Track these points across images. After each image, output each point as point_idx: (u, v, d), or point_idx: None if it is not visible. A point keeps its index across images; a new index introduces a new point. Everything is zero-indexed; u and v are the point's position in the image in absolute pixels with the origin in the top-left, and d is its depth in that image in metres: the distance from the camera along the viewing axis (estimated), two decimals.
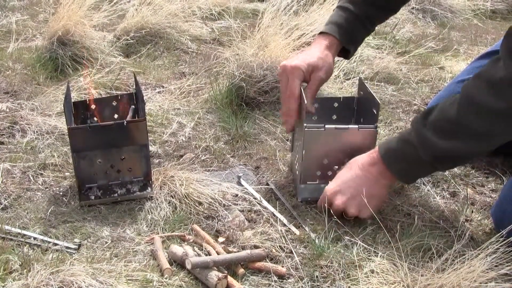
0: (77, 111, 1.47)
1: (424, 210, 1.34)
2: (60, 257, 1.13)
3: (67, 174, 1.45)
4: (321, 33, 1.43)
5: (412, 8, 3.04)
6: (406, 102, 1.96)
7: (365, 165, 1.25)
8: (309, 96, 1.36)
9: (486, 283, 1.00)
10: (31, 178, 1.43)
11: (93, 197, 1.33)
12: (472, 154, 1.22)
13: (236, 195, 1.38)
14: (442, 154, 1.16)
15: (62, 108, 1.54)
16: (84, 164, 1.31)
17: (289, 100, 1.36)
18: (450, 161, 1.21)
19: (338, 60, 2.15)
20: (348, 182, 1.26)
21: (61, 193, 1.38)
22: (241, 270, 1.11)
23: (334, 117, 1.49)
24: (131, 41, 2.33)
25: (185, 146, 1.63)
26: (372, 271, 1.10)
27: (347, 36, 1.42)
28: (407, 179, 1.28)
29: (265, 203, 1.34)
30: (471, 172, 1.52)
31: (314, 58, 1.37)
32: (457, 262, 1.03)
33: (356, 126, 1.32)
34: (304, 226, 1.26)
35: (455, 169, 1.52)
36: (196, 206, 1.31)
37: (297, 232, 1.24)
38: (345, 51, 1.46)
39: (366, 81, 1.39)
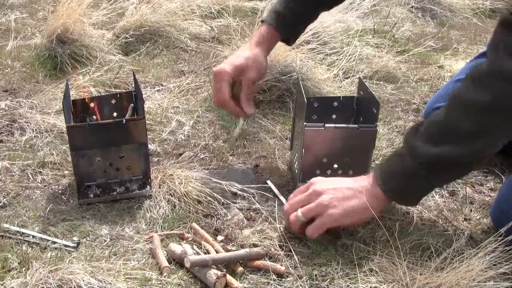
0: (76, 109, 1.47)
1: (423, 209, 1.34)
2: (59, 255, 1.13)
3: (66, 172, 1.45)
4: (262, 21, 1.47)
5: (412, 7, 3.04)
6: (405, 101, 1.96)
7: (356, 179, 1.19)
8: (244, 99, 1.38)
9: (485, 282, 1.00)
10: (30, 176, 1.43)
11: (92, 196, 1.33)
12: (466, 160, 1.08)
13: (235, 194, 1.38)
14: (431, 161, 1.08)
15: (61, 106, 1.54)
16: (83, 163, 1.31)
17: (224, 105, 1.40)
18: (442, 170, 1.10)
19: (337, 59, 2.15)
20: (336, 183, 1.19)
21: (60, 191, 1.38)
22: (240, 269, 1.11)
23: (334, 116, 1.49)
24: (130, 39, 2.33)
25: (184, 144, 1.63)
26: (371, 270, 1.10)
27: (284, 26, 1.46)
28: (397, 195, 1.15)
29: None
30: None
31: (241, 59, 1.38)
32: (456, 261, 1.03)
33: (356, 125, 1.32)
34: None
35: None
36: (195, 204, 1.31)
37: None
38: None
39: (365, 80, 1.38)
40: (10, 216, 1.27)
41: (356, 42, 2.28)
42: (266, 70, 1.50)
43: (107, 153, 1.32)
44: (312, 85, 1.90)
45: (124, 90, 1.86)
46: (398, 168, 1.13)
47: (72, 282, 1.00)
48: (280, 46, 1.90)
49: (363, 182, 1.17)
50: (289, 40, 1.54)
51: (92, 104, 1.48)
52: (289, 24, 1.47)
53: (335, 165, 1.35)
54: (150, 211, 1.30)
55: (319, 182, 1.19)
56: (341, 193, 1.15)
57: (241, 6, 2.97)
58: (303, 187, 1.21)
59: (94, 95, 1.81)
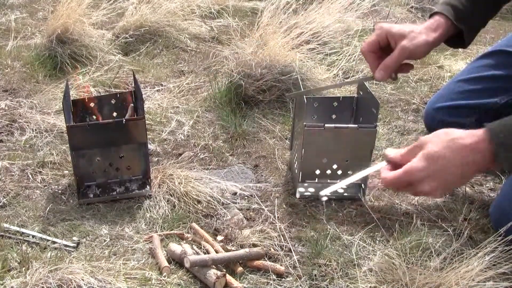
0: (76, 109, 1.47)
1: (423, 209, 1.34)
2: (58, 255, 1.13)
3: (65, 172, 1.45)
4: (431, 15, 1.31)
5: (411, 7, 3.04)
6: (405, 101, 1.96)
7: (469, 153, 1.04)
8: (383, 63, 1.25)
9: (484, 282, 1.00)
10: (30, 176, 1.43)
11: (91, 195, 1.33)
12: None
13: (235, 194, 1.38)
14: None
15: (61, 106, 1.54)
16: (83, 162, 1.31)
17: (362, 53, 1.30)
18: None
19: (337, 59, 2.15)
20: (445, 168, 1.05)
21: (59, 191, 1.38)
22: (240, 269, 1.11)
23: (334, 116, 1.49)
24: (130, 39, 2.33)
25: (184, 144, 1.63)
26: (371, 270, 1.10)
27: (456, 13, 1.26)
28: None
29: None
30: None
31: (406, 28, 1.26)
32: (456, 261, 1.03)
33: (356, 125, 1.32)
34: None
35: None
36: (195, 204, 1.31)
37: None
38: (459, 37, 1.31)
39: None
40: (10, 216, 1.27)
41: (356, 42, 2.28)
42: (422, 55, 1.29)
43: (107, 153, 1.32)
44: (312, 85, 1.90)
45: (124, 90, 1.86)
46: None
47: (72, 282, 1.00)
48: (279, 44, 1.91)
49: (475, 156, 1.04)
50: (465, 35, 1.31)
51: (92, 104, 1.48)
52: (462, 8, 1.29)
53: (335, 165, 1.35)
54: (150, 211, 1.30)
55: (423, 182, 1.06)
56: (444, 181, 1.05)
57: (241, 6, 2.97)
58: (404, 153, 1.09)
59: (94, 95, 1.81)
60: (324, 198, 1.15)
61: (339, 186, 1.14)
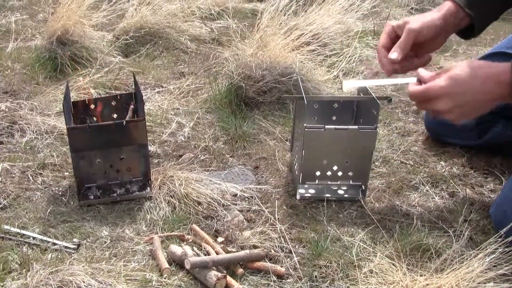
0: (76, 110, 1.47)
1: (423, 210, 1.34)
2: (59, 256, 1.13)
3: (66, 174, 1.45)
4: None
5: (411, 8, 3.05)
6: (405, 103, 1.96)
7: (489, 81, 1.09)
8: (396, 45, 1.26)
9: (485, 283, 1.00)
10: (30, 177, 1.43)
11: (92, 197, 1.33)
12: None
13: (235, 195, 1.38)
14: None
15: (61, 107, 1.54)
16: (83, 164, 1.31)
17: (377, 52, 1.31)
18: None
19: (337, 60, 2.15)
20: (463, 92, 1.10)
21: (60, 193, 1.38)
22: (240, 270, 1.11)
23: (334, 118, 1.49)
24: (130, 41, 2.33)
25: (184, 146, 1.63)
26: (371, 271, 1.10)
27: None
28: None
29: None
30: (470, 172, 1.52)
31: (412, 17, 1.29)
32: (456, 262, 1.04)
33: (356, 126, 1.32)
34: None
35: (454, 169, 1.52)
36: (195, 206, 1.31)
37: None
38: (471, 26, 1.31)
39: None
40: (11, 218, 1.27)
41: (356, 43, 2.28)
42: (438, 35, 1.30)
43: (107, 155, 1.32)
44: (312, 86, 1.90)
45: (124, 92, 1.86)
46: None
47: (72, 284, 1.01)
48: (279, 46, 1.91)
49: (496, 88, 1.09)
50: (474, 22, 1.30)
51: (92, 106, 1.48)
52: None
53: (335, 167, 1.35)
54: (150, 213, 1.30)
55: (441, 100, 1.11)
56: (460, 103, 1.11)
57: (241, 7, 2.98)
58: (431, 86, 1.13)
59: (94, 97, 1.81)
60: (345, 89, 1.27)
61: (365, 84, 1.30)
